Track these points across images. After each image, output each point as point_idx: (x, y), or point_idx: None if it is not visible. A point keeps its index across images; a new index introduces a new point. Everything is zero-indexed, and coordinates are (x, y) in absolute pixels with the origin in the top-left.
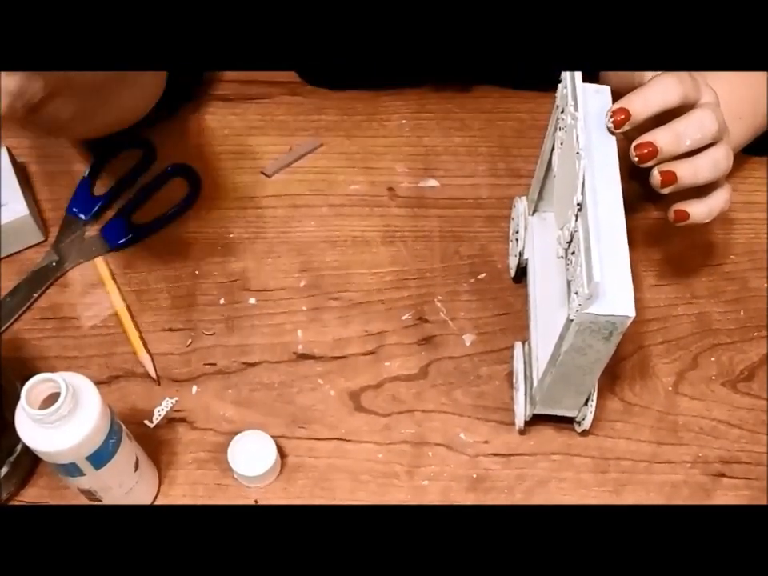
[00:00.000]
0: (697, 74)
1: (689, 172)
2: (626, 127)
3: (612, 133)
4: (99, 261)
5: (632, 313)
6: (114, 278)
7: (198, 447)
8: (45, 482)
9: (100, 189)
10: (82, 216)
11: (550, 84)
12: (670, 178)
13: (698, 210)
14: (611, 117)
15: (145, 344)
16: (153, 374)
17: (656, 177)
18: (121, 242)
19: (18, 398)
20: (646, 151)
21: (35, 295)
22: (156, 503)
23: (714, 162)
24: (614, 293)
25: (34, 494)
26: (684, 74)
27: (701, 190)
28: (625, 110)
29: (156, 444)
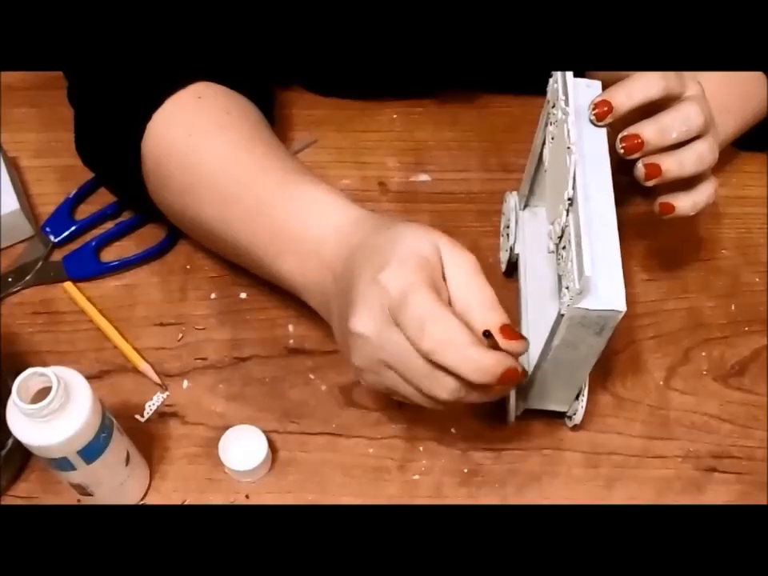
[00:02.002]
0: None
1: (674, 165)
2: (609, 120)
3: (594, 125)
4: (69, 285)
5: (623, 307)
6: (89, 300)
7: (190, 442)
8: (36, 476)
9: (81, 213)
10: (53, 238)
11: (542, 87)
12: (654, 170)
13: (684, 203)
14: (594, 109)
15: (139, 352)
16: (156, 379)
17: (641, 169)
18: (81, 276)
19: (9, 392)
20: (631, 143)
21: (18, 287)
22: (147, 498)
23: (699, 155)
24: (605, 288)
25: (26, 489)
26: None
27: (687, 183)
28: (607, 103)
29: (147, 438)
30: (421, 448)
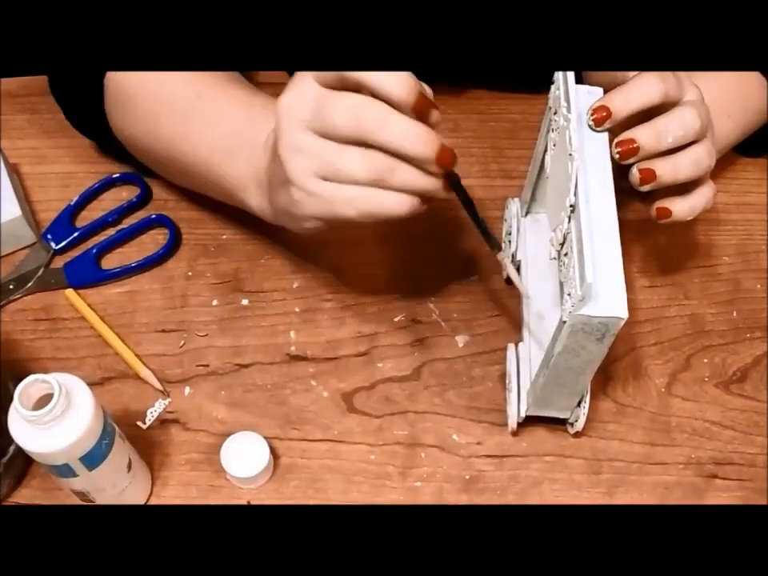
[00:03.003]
0: (682, 72)
1: (669, 170)
2: (607, 125)
3: (593, 130)
4: (70, 292)
5: (624, 314)
6: (90, 307)
7: (191, 448)
8: (38, 483)
9: (82, 220)
10: (54, 245)
11: (542, 85)
12: (649, 175)
13: (681, 208)
14: (592, 114)
15: (141, 359)
16: (158, 386)
17: (635, 174)
18: (82, 282)
19: (11, 399)
20: (627, 148)
21: (19, 294)
22: (149, 504)
23: (695, 160)
24: (607, 294)
25: (27, 495)
26: (667, 72)
27: (684, 188)
28: (605, 108)
29: (149, 445)
30: (422, 455)
